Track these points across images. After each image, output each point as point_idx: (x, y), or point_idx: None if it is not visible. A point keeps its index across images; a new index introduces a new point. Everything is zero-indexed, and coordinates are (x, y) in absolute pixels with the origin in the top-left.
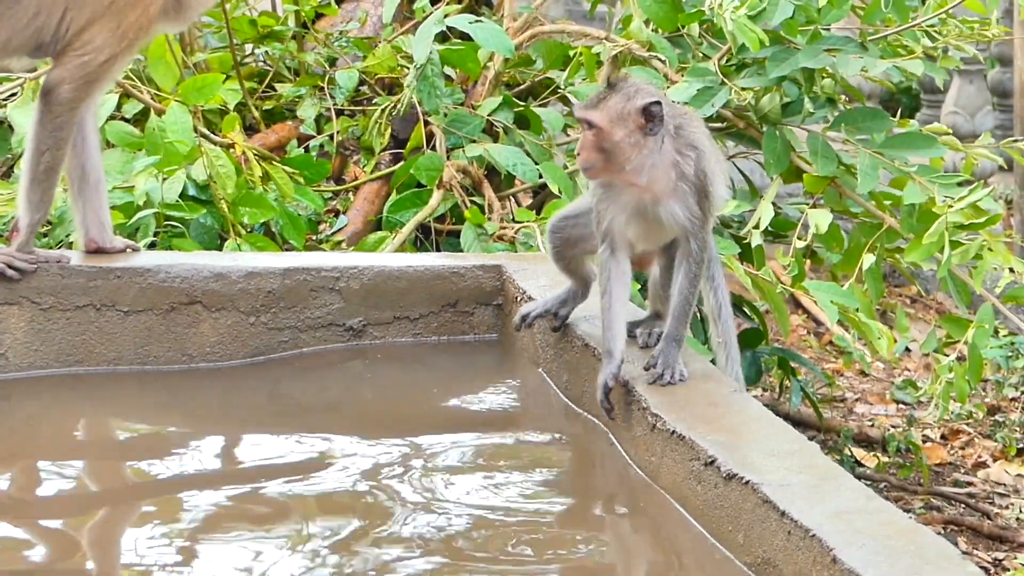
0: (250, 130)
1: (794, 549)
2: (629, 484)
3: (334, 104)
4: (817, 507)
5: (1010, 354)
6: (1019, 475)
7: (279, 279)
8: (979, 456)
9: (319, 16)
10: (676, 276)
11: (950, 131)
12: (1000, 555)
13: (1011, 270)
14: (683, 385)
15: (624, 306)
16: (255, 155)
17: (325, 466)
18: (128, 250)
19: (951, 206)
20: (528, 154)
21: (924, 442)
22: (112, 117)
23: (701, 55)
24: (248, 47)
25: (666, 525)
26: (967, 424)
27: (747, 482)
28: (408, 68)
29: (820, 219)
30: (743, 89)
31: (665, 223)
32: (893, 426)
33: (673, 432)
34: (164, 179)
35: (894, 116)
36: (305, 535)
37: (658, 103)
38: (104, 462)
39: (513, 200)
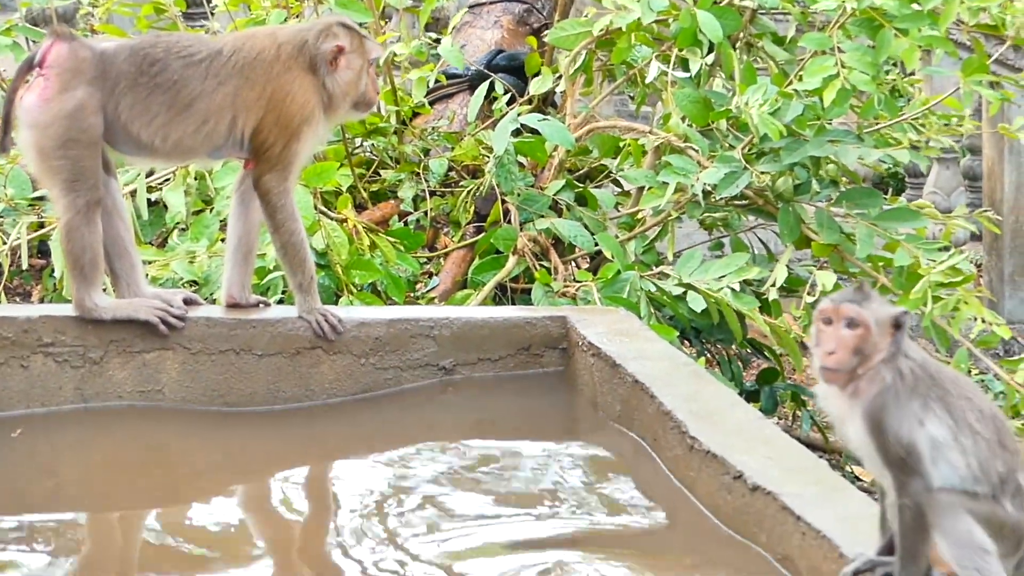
0: (360, 208)
1: (808, 547)
2: (670, 494)
3: (428, 186)
4: (827, 512)
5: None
6: None
7: (385, 328)
8: None
9: (415, 115)
10: None
11: (931, 206)
12: None
13: (982, 320)
14: (718, 414)
15: None
16: (364, 228)
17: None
18: (261, 305)
19: (933, 268)
20: (586, 226)
21: None
22: None
23: (728, 145)
24: (358, 140)
25: (701, 527)
26: None
27: (769, 492)
28: (488, 157)
29: (826, 279)
30: (762, 173)
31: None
32: None
33: (708, 452)
34: None
35: (885, 195)
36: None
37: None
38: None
39: (574, 264)
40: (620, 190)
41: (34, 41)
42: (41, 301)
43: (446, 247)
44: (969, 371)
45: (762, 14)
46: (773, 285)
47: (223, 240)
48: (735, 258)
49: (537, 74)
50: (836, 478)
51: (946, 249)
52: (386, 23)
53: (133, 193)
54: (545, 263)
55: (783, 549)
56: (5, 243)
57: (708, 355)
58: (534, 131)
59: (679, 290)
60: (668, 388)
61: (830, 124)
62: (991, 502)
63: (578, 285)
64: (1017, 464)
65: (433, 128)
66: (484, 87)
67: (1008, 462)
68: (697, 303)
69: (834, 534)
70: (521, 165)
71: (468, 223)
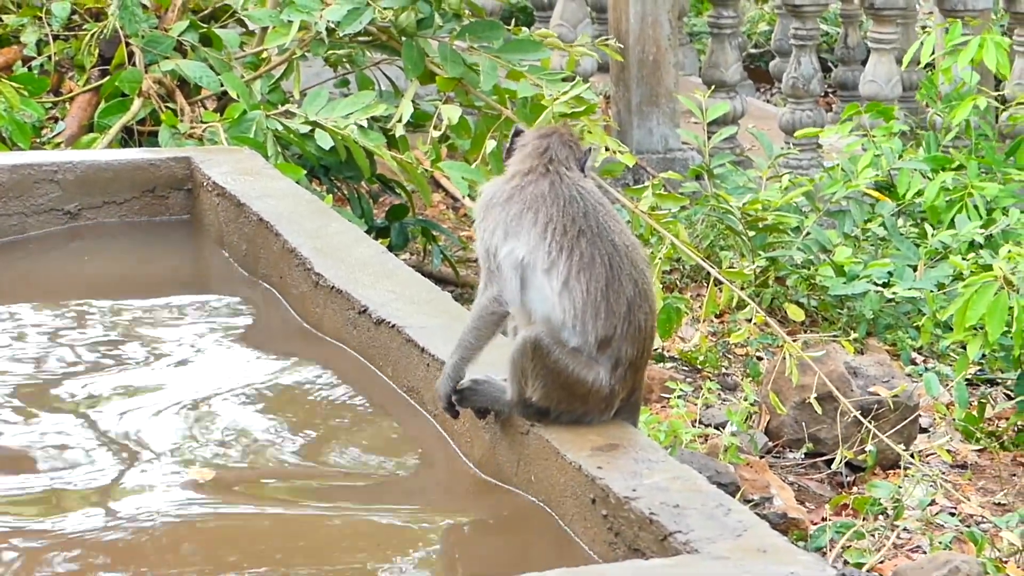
0: None
1: (432, 378)
2: (301, 332)
3: (51, 30)
4: (449, 345)
5: None
6: None
7: (7, 174)
8: None
9: None
10: None
11: (555, 35)
12: None
13: (607, 149)
14: (342, 250)
15: None
16: None
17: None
18: None
19: (557, 98)
20: (212, 67)
21: None
22: None
23: None
24: None
25: (333, 361)
26: None
27: (393, 326)
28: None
29: (451, 112)
30: (385, 8)
31: None
32: None
33: (333, 288)
34: None
35: (512, 28)
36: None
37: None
38: None
39: (201, 105)
40: (245, 30)
41: None
42: None
43: (71, 91)
44: None
45: None
46: (399, 121)
47: None
48: (362, 96)
49: None
50: (461, 310)
51: (570, 79)
52: None
53: None
54: (171, 105)
55: (409, 381)
56: None
57: (338, 193)
58: None
59: (306, 128)
60: (292, 226)
61: None
62: (580, 359)
63: (204, 126)
64: (626, 334)
65: None
66: None
67: (614, 328)
68: (324, 140)
69: None
70: (144, 7)
71: (93, 67)
